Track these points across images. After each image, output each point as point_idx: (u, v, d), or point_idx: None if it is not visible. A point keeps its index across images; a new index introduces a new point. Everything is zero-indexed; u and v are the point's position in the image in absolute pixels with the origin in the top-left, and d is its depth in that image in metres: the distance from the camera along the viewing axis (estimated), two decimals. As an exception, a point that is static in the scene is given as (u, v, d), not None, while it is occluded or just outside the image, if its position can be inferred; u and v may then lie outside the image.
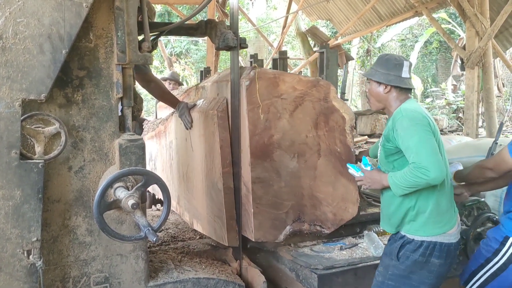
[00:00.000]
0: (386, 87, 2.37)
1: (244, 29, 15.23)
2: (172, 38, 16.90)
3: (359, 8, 10.96)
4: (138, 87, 3.32)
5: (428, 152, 2.12)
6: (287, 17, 12.07)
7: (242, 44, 2.84)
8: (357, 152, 3.01)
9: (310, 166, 2.87)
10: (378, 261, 2.57)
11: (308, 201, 2.89)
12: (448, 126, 12.34)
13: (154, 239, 2.03)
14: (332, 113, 2.90)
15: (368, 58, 16.24)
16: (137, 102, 2.89)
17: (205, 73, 6.97)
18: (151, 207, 4.71)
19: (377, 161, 2.83)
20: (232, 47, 2.80)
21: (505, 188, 2.65)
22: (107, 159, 2.29)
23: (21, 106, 1.95)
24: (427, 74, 19.22)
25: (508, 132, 11.37)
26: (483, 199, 3.31)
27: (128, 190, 2.08)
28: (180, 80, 6.66)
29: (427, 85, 18.65)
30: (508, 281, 2.41)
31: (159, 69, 18.28)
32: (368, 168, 2.46)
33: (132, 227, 2.31)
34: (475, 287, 2.51)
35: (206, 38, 4.21)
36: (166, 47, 16.24)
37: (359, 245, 3.00)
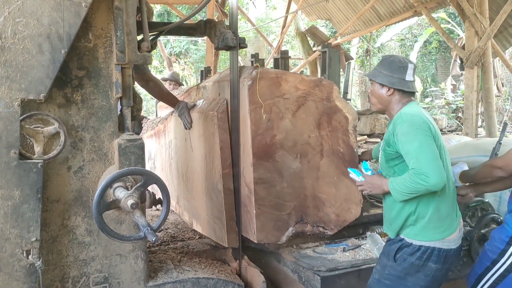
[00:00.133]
0: (389, 89, 2.34)
1: (244, 29, 15.23)
2: (171, 38, 16.90)
3: (359, 8, 10.97)
4: (138, 87, 3.32)
5: (428, 158, 2.09)
6: (286, 17, 12.06)
7: (241, 44, 2.84)
8: (359, 152, 2.99)
9: (312, 166, 2.85)
10: (381, 263, 2.56)
11: (310, 202, 2.86)
12: (447, 126, 12.35)
13: (153, 239, 2.03)
14: (335, 113, 2.88)
15: (368, 58, 16.24)
16: (137, 102, 2.89)
17: (205, 73, 6.98)
18: (151, 207, 4.70)
19: (375, 162, 2.82)
20: (232, 47, 2.80)
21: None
22: (107, 159, 2.28)
23: (20, 106, 1.94)
24: (427, 74, 19.23)
25: (508, 132, 11.37)
26: (487, 200, 3.30)
27: (128, 190, 2.08)
28: (180, 80, 6.65)
29: (426, 85, 18.66)
30: None
31: (158, 69, 18.28)
32: (369, 172, 2.43)
33: (132, 227, 2.31)
34: None
35: (205, 38, 4.21)
36: (165, 47, 16.24)
37: (362, 246, 2.98)
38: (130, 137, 2.27)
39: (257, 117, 2.69)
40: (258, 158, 2.70)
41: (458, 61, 12.60)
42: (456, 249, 2.27)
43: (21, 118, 1.96)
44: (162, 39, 13.38)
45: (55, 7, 1.98)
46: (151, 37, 2.58)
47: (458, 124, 12.57)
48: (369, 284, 2.43)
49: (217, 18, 9.93)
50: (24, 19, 1.93)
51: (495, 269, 2.39)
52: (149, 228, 2.06)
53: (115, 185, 2.09)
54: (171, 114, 3.76)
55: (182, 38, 17.13)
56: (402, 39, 18.66)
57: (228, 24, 2.89)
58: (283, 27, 12.24)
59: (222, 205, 2.85)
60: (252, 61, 6.69)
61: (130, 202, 2.03)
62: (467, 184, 2.70)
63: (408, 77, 2.33)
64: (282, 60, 6.25)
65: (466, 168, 2.69)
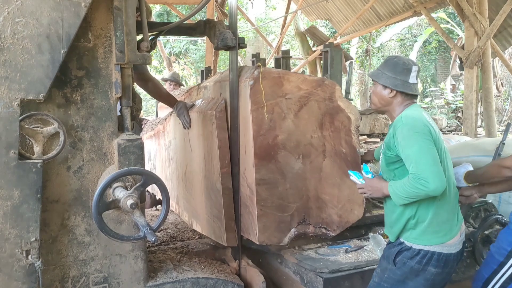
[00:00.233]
0: (391, 91, 2.31)
1: (243, 29, 15.22)
2: (171, 38, 16.89)
3: (358, 8, 10.98)
4: (137, 87, 3.32)
5: (428, 162, 2.06)
6: (286, 17, 12.06)
7: (241, 44, 2.84)
8: (362, 153, 2.97)
9: (315, 167, 2.82)
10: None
11: (313, 203, 2.84)
12: (447, 126, 12.36)
13: (153, 239, 2.03)
14: (338, 113, 2.86)
15: (367, 58, 16.24)
16: (136, 102, 2.89)
17: (206, 73, 6.96)
18: (152, 207, 4.70)
19: (375, 163, 2.80)
20: (231, 47, 2.80)
21: None
22: (106, 159, 2.28)
23: (20, 106, 1.94)
24: (426, 73, 19.24)
25: (509, 132, 11.36)
26: (490, 201, 3.28)
27: (127, 190, 2.08)
28: (180, 80, 6.64)
29: (426, 85, 18.67)
30: None
31: (158, 69, 18.28)
32: (369, 175, 2.40)
33: (131, 227, 2.30)
34: None
35: (205, 38, 4.21)
36: (165, 47, 16.23)
37: (364, 247, 2.95)
38: (129, 137, 2.27)
39: (259, 118, 2.66)
40: (260, 158, 2.67)
41: (458, 61, 12.59)
42: (457, 254, 2.24)
43: (20, 118, 1.96)
44: (161, 39, 13.38)
45: (55, 7, 1.98)
46: (150, 37, 2.57)
47: (457, 124, 12.58)
48: (369, 287, 2.42)
49: (216, 18, 9.93)
50: (23, 19, 1.93)
51: (503, 272, 2.34)
52: (148, 228, 2.06)
53: (115, 185, 2.10)
54: (170, 115, 3.76)
55: (181, 38, 17.12)
56: (401, 39, 18.68)
57: (228, 24, 2.89)
58: (283, 27, 12.24)
59: (221, 204, 2.84)
60: (253, 61, 6.67)
61: (129, 202, 2.03)
62: (472, 184, 2.63)
63: (412, 79, 2.30)
64: (283, 60, 6.22)
65: (470, 168, 2.63)
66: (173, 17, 15.75)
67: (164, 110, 4.79)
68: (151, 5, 13.55)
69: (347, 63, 8.11)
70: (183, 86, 6.47)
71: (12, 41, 1.92)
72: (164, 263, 2.71)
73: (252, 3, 16.62)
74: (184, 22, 3.00)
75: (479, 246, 2.97)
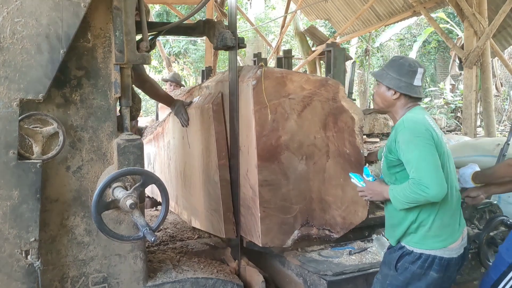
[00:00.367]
0: (395, 93, 2.26)
1: (243, 29, 15.22)
2: (170, 38, 16.88)
3: (358, 8, 10.98)
4: (136, 87, 3.32)
5: (429, 168, 2.04)
6: (285, 17, 12.06)
7: (240, 43, 2.84)
8: (365, 154, 2.95)
9: (319, 168, 2.79)
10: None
11: (317, 204, 2.81)
12: (446, 126, 12.37)
13: (152, 239, 2.03)
14: (341, 113, 2.82)
15: (367, 58, 16.25)
16: (135, 102, 2.89)
17: (206, 73, 6.94)
18: (152, 208, 4.70)
19: (377, 162, 2.78)
20: (230, 46, 2.80)
21: None
22: (105, 159, 2.28)
23: (19, 106, 1.94)
24: (426, 73, 19.22)
25: (507, 132, 11.38)
26: (495, 202, 3.26)
27: (127, 190, 2.08)
28: (181, 81, 6.62)
29: (425, 85, 18.67)
30: None
31: (157, 69, 18.28)
32: (370, 178, 2.38)
33: (131, 227, 2.30)
34: None
35: (204, 38, 4.21)
36: (164, 47, 16.22)
37: (368, 249, 2.92)
38: (129, 137, 2.27)
39: (262, 118, 2.62)
40: (263, 160, 2.63)
41: (457, 61, 12.60)
42: (458, 258, 2.22)
43: (20, 118, 1.96)
44: (161, 39, 13.38)
45: (54, 7, 1.97)
46: (150, 37, 2.57)
47: (457, 124, 12.59)
48: None
49: (216, 18, 9.93)
50: (23, 19, 1.93)
51: None
52: (148, 228, 2.06)
53: (114, 185, 2.09)
54: (169, 115, 3.76)
55: (181, 38, 17.12)
56: (401, 39, 18.68)
57: (227, 24, 2.89)
58: (282, 27, 12.23)
59: (219, 196, 2.83)
60: (254, 61, 6.65)
61: (129, 202, 2.03)
62: (479, 185, 2.59)
63: (417, 82, 2.26)
64: (285, 59, 6.19)
65: (477, 169, 2.59)
66: (173, 17, 15.75)
67: (165, 110, 4.79)
68: (150, 5, 13.56)
69: (347, 63, 8.10)
70: (184, 86, 6.47)
71: (12, 41, 1.92)
72: (163, 263, 2.71)
73: (251, 3, 16.63)
74: (184, 22, 3.00)
75: (484, 248, 2.93)
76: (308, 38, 12.29)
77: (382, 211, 3.28)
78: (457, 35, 13.76)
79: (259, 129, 2.62)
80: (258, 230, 2.67)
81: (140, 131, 4.79)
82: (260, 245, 2.70)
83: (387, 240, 2.93)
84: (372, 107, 14.51)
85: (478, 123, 10.04)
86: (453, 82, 15.13)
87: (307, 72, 11.80)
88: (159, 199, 4.43)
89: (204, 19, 3.14)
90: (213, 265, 2.83)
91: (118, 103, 2.34)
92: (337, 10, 12.09)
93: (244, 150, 2.78)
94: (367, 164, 2.79)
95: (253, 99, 2.60)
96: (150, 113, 14.81)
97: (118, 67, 2.24)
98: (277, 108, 2.66)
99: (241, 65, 3.40)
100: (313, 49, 11.90)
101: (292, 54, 6.75)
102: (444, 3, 8.83)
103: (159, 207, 4.67)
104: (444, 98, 14.11)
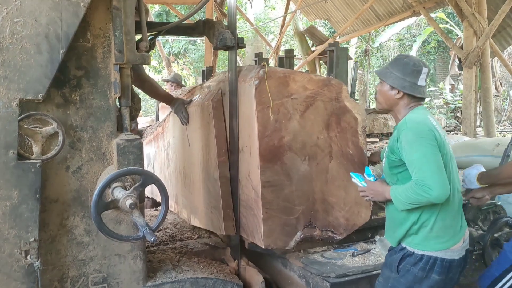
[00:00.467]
0: (398, 92, 2.23)
1: (242, 29, 15.22)
2: (170, 38, 16.89)
3: (357, 8, 10.98)
4: (135, 87, 3.32)
5: (432, 169, 2.02)
6: (285, 17, 12.07)
7: (240, 43, 2.83)
8: (369, 154, 2.93)
9: (321, 169, 2.76)
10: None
11: (319, 205, 2.78)
12: (446, 126, 12.38)
13: (152, 239, 2.03)
14: (344, 113, 2.80)
15: (366, 58, 16.26)
16: (135, 102, 2.89)
17: (207, 72, 6.94)
18: (152, 208, 4.70)
19: (380, 163, 2.75)
20: (230, 46, 2.80)
21: None
22: (105, 159, 2.28)
23: (19, 106, 1.94)
24: (425, 73, 19.22)
25: (507, 132, 11.40)
26: (499, 203, 3.24)
27: (126, 190, 2.08)
28: (182, 82, 6.62)
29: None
30: None
31: (157, 69, 18.29)
32: (371, 178, 2.35)
33: (130, 227, 2.30)
34: None
35: (204, 38, 4.21)
36: (164, 47, 16.23)
37: (371, 251, 2.90)
38: (128, 137, 2.27)
39: (264, 118, 2.58)
40: (266, 160, 2.60)
41: (457, 61, 12.58)
42: (460, 260, 2.19)
43: (19, 118, 1.95)
44: (160, 39, 13.38)
45: (54, 7, 1.97)
46: (149, 37, 2.57)
47: (456, 123, 12.59)
48: None
49: (215, 18, 9.93)
50: (22, 19, 1.93)
51: None
52: (147, 228, 2.06)
53: (114, 185, 2.09)
54: (169, 115, 3.77)
55: (180, 38, 17.12)
56: (400, 39, 18.69)
57: (227, 24, 2.89)
58: (282, 27, 12.24)
59: (218, 193, 2.82)
60: (255, 61, 6.64)
61: (128, 202, 2.02)
62: (485, 186, 2.57)
63: (421, 82, 2.22)
64: (287, 59, 6.17)
65: (483, 169, 2.56)
66: (172, 17, 15.75)
67: (166, 110, 4.79)
68: (150, 5, 13.55)
69: (354, 63, 8.11)
70: (184, 87, 6.48)
71: (11, 41, 1.92)
72: (163, 263, 2.71)
73: (251, 3, 16.63)
74: (183, 22, 3.00)
75: (488, 249, 2.91)
76: (307, 38, 12.29)
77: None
78: (457, 35, 13.77)
79: (261, 129, 2.59)
80: (261, 231, 2.64)
81: (140, 133, 4.79)
82: (263, 247, 2.67)
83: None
84: (372, 107, 14.53)
85: (478, 123, 10.04)
86: (452, 82, 15.14)
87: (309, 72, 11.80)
88: (159, 199, 4.43)
89: (203, 19, 3.14)
90: (212, 265, 2.83)
91: (117, 103, 2.34)
92: (337, 10, 12.09)
93: (246, 151, 2.75)
94: (369, 164, 2.78)
95: (255, 99, 2.58)
96: (150, 113, 14.81)
97: (118, 67, 2.24)
98: (279, 108, 2.64)
99: (240, 65, 3.39)
100: (312, 49, 11.90)
101: (294, 54, 6.73)
102: (444, 3, 8.84)
103: (158, 208, 4.67)
104: (443, 98, 14.10)
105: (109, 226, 2.10)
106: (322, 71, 13.26)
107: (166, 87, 6.13)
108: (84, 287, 2.29)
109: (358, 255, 2.84)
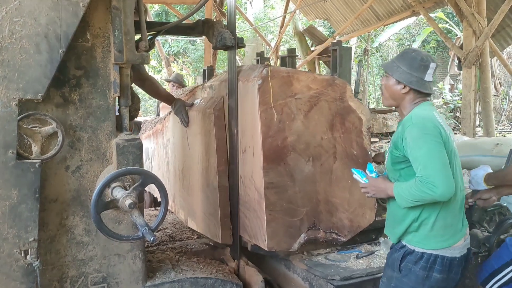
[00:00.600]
0: (405, 87, 2.17)
1: (242, 29, 15.23)
2: (169, 37, 16.88)
3: (357, 8, 10.98)
4: (135, 87, 3.32)
5: (437, 166, 1.98)
6: (284, 17, 12.07)
7: (239, 43, 2.83)
8: (373, 154, 2.91)
9: (325, 170, 2.73)
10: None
11: (323, 207, 2.74)
12: (445, 126, 12.33)
13: (151, 239, 2.03)
14: (349, 113, 2.77)
15: (366, 57, 16.25)
16: (135, 101, 2.89)
17: (208, 72, 6.93)
18: (151, 207, 4.70)
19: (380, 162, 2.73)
20: (230, 46, 2.80)
21: None
22: (105, 159, 2.28)
23: (18, 106, 1.94)
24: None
25: (506, 131, 11.41)
26: (505, 204, 3.23)
27: (126, 190, 2.08)
28: (184, 82, 6.61)
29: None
30: None
31: (156, 68, 18.27)
32: (373, 175, 2.31)
33: (130, 227, 2.30)
34: (496, 287, 2.35)
35: (203, 37, 4.21)
36: (163, 46, 16.22)
37: (376, 253, 2.87)
38: (128, 136, 2.27)
39: (268, 118, 2.54)
40: (269, 161, 2.56)
41: (456, 60, 12.57)
42: (461, 258, 2.17)
43: (18, 118, 1.95)
44: (160, 38, 13.37)
45: (53, 6, 1.97)
46: (149, 37, 2.57)
47: (456, 123, 12.59)
48: None
49: (215, 17, 9.92)
50: (21, 19, 1.93)
51: None
52: (147, 228, 2.06)
53: (113, 184, 2.09)
54: (169, 114, 3.76)
55: (180, 38, 17.12)
56: (400, 39, 18.68)
57: (226, 23, 2.89)
58: (281, 26, 12.24)
59: (217, 202, 2.81)
60: (257, 60, 6.61)
61: (128, 202, 2.02)
62: (491, 187, 2.53)
63: (428, 77, 2.16)
64: (289, 58, 6.14)
65: (490, 170, 2.53)
66: (172, 16, 15.74)
67: (166, 110, 4.79)
68: (149, 5, 13.54)
69: (358, 62, 8.11)
70: (186, 87, 6.47)
71: (10, 40, 1.91)
72: (162, 263, 2.71)
73: (250, 2, 16.63)
74: (183, 22, 3.00)
75: (494, 251, 2.91)
76: (307, 38, 12.29)
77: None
78: (456, 35, 13.77)
79: (265, 129, 2.55)
80: (264, 233, 2.61)
81: (138, 126, 4.78)
82: (266, 249, 2.64)
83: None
84: (371, 106, 14.53)
85: (477, 122, 10.05)
86: (452, 82, 15.14)
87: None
88: (157, 195, 4.43)
89: (203, 19, 3.14)
90: (212, 265, 2.83)
91: (117, 103, 2.34)
92: (336, 10, 12.09)
93: (249, 152, 2.71)
94: (379, 164, 2.75)
95: (258, 99, 2.54)
96: (150, 113, 14.80)
97: (117, 67, 2.24)
98: (283, 108, 2.60)
99: (240, 64, 3.38)
100: (312, 48, 11.90)
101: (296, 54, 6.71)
102: (443, 3, 8.84)
103: (158, 208, 4.67)
104: (443, 98, 14.10)
105: (108, 226, 2.10)
106: (322, 71, 13.26)
107: (168, 87, 6.13)
108: (84, 287, 2.29)
109: (362, 257, 2.81)
